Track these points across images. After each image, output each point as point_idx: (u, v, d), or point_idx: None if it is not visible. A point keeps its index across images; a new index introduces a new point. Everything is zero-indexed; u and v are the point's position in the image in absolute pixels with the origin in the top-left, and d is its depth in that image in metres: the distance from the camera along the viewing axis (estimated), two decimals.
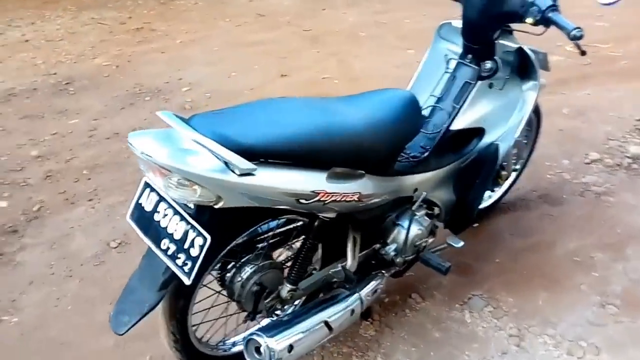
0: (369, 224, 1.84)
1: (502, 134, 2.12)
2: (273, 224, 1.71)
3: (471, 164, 2.10)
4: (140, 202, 1.49)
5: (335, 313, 1.70)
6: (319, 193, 1.47)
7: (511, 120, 2.14)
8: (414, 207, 1.89)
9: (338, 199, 1.53)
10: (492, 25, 1.97)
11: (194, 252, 1.37)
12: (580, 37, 1.73)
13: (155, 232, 1.44)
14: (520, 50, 2.06)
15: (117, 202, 2.75)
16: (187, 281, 1.38)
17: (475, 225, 2.61)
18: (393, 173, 1.82)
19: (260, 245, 1.71)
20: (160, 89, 3.94)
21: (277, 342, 1.54)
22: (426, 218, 2.02)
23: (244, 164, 1.29)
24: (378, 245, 1.94)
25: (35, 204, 2.76)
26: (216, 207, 1.34)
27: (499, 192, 2.70)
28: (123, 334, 1.45)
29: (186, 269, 1.38)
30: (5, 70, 4.21)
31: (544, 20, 1.81)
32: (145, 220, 1.47)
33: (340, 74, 4.24)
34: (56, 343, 2.02)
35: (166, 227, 1.42)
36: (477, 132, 2.10)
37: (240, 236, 1.59)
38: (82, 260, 2.41)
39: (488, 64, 1.99)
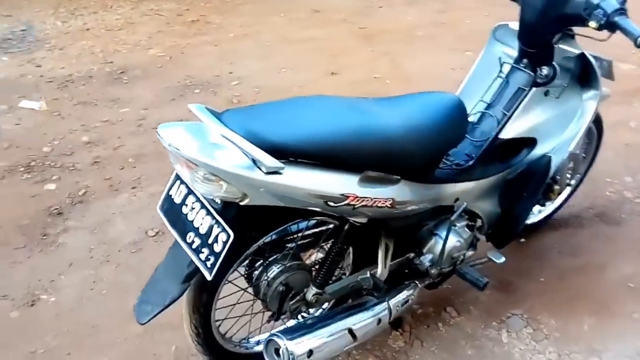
0: (403, 231, 1.82)
1: (556, 146, 2.04)
2: (303, 224, 1.71)
3: (520, 176, 2.03)
4: (170, 193, 1.52)
5: (360, 321, 1.69)
6: (348, 196, 1.46)
7: (567, 131, 2.06)
8: (453, 217, 1.84)
9: (369, 204, 1.51)
10: (551, 28, 1.88)
11: (217, 247, 1.38)
12: None
13: (182, 224, 1.46)
14: (582, 57, 1.98)
15: (158, 191, 2.75)
16: (208, 276, 1.40)
17: (522, 240, 2.55)
18: (433, 180, 1.78)
19: (289, 245, 1.71)
20: (210, 82, 4.01)
21: (297, 346, 1.53)
22: (466, 230, 1.97)
23: (271, 162, 1.29)
24: (412, 255, 1.91)
25: (81, 189, 2.87)
26: (242, 204, 1.35)
27: (550, 207, 2.61)
28: (145, 323, 1.49)
29: (209, 264, 1.39)
30: (65, 57, 4.38)
31: (609, 25, 1.71)
32: (173, 213, 1.49)
33: (392, 74, 4.20)
34: (88, 325, 2.09)
35: (192, 220, 1.44)
36: (528, 142, 2.03)
37: (267, 235, 1.59)
38: (120, 246, 2.48)
39: (545, 70, 1.90)
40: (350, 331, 1.65)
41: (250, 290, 1.75)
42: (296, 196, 1.40)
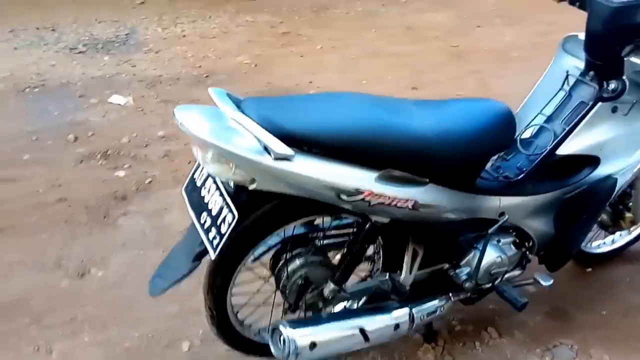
0: (435, 239, 1.77)
1: (623, 168, 1.91)
2: (333, 223, 1.73)
3: (580, 196, 1.91)
4: (194, 176, 1.60)
5: (375, 322, 1.66)
6: (363, 192, 1.45)
7: (637, 153, 1.93)
8: (491, 230, 1.76)
9: (387, 202, 1.49)
10: (620, 39, 1.76)
11: (223, 228, 1.43)
12: None
13: (199, 205, 1.53)
14: None
15: None
16: (212, 255, 1.46)
17: (588, 270, 2.40)
18: (473, 190, 1.72)
19: (315, 241, 1.73)
20: (289, 89, 4.13)
21: (300, 336, 1.54)
22: (512, 247, 1.89)
23: (280, 148, 1.32)
24: (447, 266, 1.86)
25: (148, 178, 3.06)
26: (250, 188, 1.39)
27: (625, 238, 2.43)
28: (156, 296, 1.56)
29: (214, 243, 1.45)
30: (159, 60, 4.71)
31: None
32: (195, 194, 1.57)
33: (477, 93, 4.11)
34: (127, 301, 2.21)
35: (208, 202, 1.50)
36: (590, 161, 1.91)
37: (284, 226, 1.61)
38: (172, 233, 2.60)
39: (612, 84, 1.78)
40: (362, 331, 1.62)
41: (271, 280, 1.79)
42: (306, 185, 1.41)
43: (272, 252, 1.78)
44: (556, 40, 2.04)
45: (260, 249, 1.72)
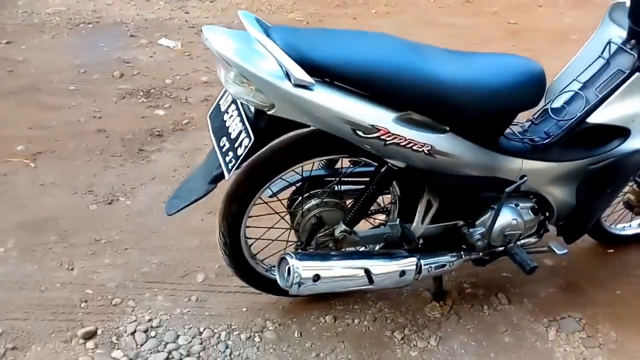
0: (451, 192, 1.79)
1: None
2: (350, 167, 1.78)
3: (606, 168, 1.89)
4: (219, 103, 1.66)
5: (381, 266, 1.70)
6: (379, 129, 1.48)
7: None
8: (509, 189, 1.75)
9: (402, 143, 1.52)
10: None
11: (239, 150, 1.49)
12: None
13: (220, 130, 1.59)
14: None
15: None
16: (226, 175, 1.52)
17: (610, 250, 2.37)
18: (495, 148, 1.73)
19: (332, 184, 1.78)
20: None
21: (304, 268, 1.60)
22: (530, 213, 1.89)
23: (300, 74, 1.36)
24: (462, 223, 1.88)
25: (185, 119, 3.16)
26: (269, 113, 1.44)
27: None
28: (171, 214, 1.64)
29: (230, 165, 1.51)
30: (212, 9, 4.80)
31: None
32: (218, 120, 1.63)
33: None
34: (150, 230, 2.33)
35: (229, 126, 1.56)
36: (620, 133, 1.88)
37: (303, 162, 1.67)
38: None
39: None
40: (367, 272, 1.67)
41: (286, 218, 1.86)
42: (324, 117, 1.45)
43: (290, 191, 1.84)
44: None
45: (279, 184, 1.79)
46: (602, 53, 1.90)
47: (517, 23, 4.98)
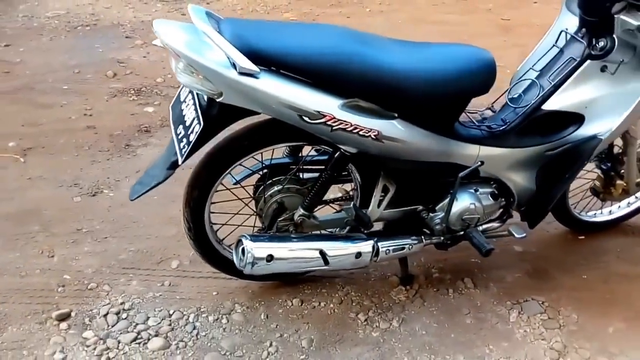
0: (407, 177, 1.85)
1: (606, 129, 1.90)
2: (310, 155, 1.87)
3: (563, 154, 1.94)
4: (180, 93, 1.74)
5: (337, 248, 1.77)
6: (325, 115, 1.55)
7: (621, 114, 1.90)
8: (462, 173, 1.80)
9: (349, 129, 1.59)
10: None
11: (192, 137, 1.58)
12: None
13: (178, 119, 1.68)
14: None
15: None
16: (179, 160, 1.60)
17: (581, 237, 2.41)
18: (450, 134, 1.79)
19: (294, 171, 1.86)
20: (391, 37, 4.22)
21: (258, 248, 1.67)
22: (490, 198, 1.95)
23: (244, 63, 1.44)
24: (421, 207, 1.93)
25: None
26: (218, 100, 1.51)
27: (624, 210, 2.44)
28: (133, 199, 1.71)
29: (183, 151, 1.60)
30: None
31: None
32: (177, 109, 1.72)
33: (517, 66, 4.06)
34: (130, 220, 2.41)
35: (184, 115, 1.65)
36: (575, 119, 1.93)
37: (261, 149, 1.75)
38: (185, 166, 2.74)
39: (602, 42, 1.80)
40: (322, 253, 1.73)
41: (250, 203, 1.94)
42: (270, 103, 1.52)
43: (256, 178, 1.91)
44: None
45: (242, 173, 1.87)
46: (556, 42, 1.95)
47: (510, 19, 5.01)
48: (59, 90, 3.48)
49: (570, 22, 1.96)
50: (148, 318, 1.94)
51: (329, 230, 1.96)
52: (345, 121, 1.57)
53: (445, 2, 5.40)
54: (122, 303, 2.00)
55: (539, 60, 1.97)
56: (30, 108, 3.27)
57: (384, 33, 4.58)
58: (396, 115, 1.65)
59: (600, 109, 1.89)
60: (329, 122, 1.56)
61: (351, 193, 1.98)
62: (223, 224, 1.95)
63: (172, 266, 2.17)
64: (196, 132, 1.56)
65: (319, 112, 1.54)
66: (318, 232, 1.91)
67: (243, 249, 1.67)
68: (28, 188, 2.60)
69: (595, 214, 2.42)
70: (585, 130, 1.91)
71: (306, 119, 1.55)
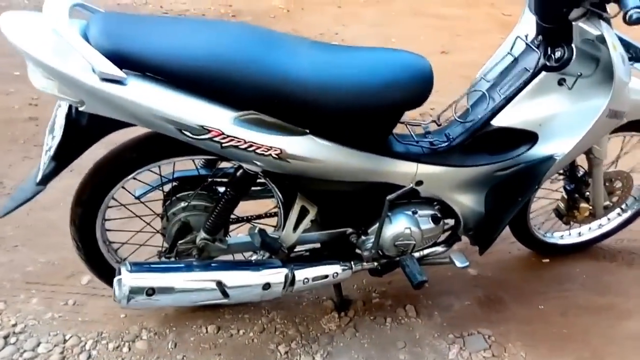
0: (329, 199, 1.61)
1: (561, 150, 1.64)
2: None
3: (515, 176, 1.70)
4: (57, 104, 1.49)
5: (237, 277, 1.53)
6: (210, 130, 1.30)
7: (577, 134, 1.62)
8: (391, 197, 1.57)
9: (242, 146, 1.34)
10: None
11: (52, 150, 1.34)
12: (637, 22, 1.29)
13: (51, 126, 1.43)
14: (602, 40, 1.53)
15: None
16: (38, 176, 1.37)
17: (545, 260, 2.17)
18: (382, 151, 1.54)
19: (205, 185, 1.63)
20: (312, 38, 3.96)
21: (135, 280, 1.43)
22: (430, 221, 1.70)
23: (105, 67, 1.18)
24: (350, 230, 1.70)
25: None
26: (80, 109, 1.27)
27: (594, 232, 2.20)
28: (1, 217, 1.49)
29: (44, 166, 1.37)
30: None
31: None
32: (52, 122, 1.46)
33: None
34: (49, 225, 2.19)
35: (55, 122, 1.40)
36: (528, 137, 1.68)
37: (154, 163, 1.52)
38: None
39: (558, 52, 1.57)
40: (220, 285, 1.50)
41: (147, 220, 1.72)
42: (140, 114, 1.26)
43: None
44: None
45: (143, 188, 1.65)
46: (511, 49, 1.70)
47: (512, 15, 4.74)
48: (9, 76, 3.24)
49: (532, 27, 1.69)
50: (39, 344, 1.72)
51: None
52: (236, 137, 1.32)
53: None
54: (15, 325, 1.78)
55: (491, 69, 1.72)
56: None
57: (377, 25, 4.41)
58: (308, 131, 1.40)
59: (556, 128, 1.64)
60: (216, 138, 1.31)
61: (275, 210, 1.74)
62: (123, 243, 1.73)
63: (82, 282, 1.96)
64: (54, 146, 1.33)
65: (202, 126, 1.29)
66: (223, 258, 1.69)
67: (120, 280, 1.44)
68: None
69: (562, 235, 2.19)
70: (538, 150, 1.67)
71: (187, 133, 1.30)
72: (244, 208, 1.92)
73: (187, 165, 1.61)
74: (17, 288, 1.92)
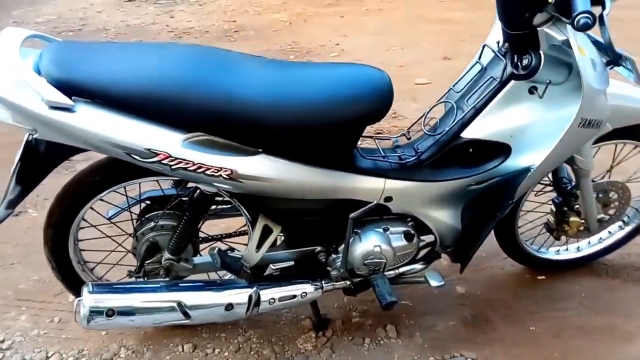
0: (294, 217, 1.59)
1: (535, 162, 1.57)
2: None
3: (490, 189, 1.65)
4: None
5: (198, 298, 1.52)
6: (157, 153, 1.31)
7: (550, 145, 1.55)
8: (354, 214, 1.54)
9: (191, 169, 1.34)
10: (529, 4, 1.44)
11: (14, 176, 1.37)
12: (585, 27, 1.22)
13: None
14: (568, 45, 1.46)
15: None
16: (4, 202, 1.40)
17: (541, 277, 2.09)
18: (346, 167, 1.52)
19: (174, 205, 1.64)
20: (311, 50, 3.99)
21: (95, 301, 1.45)
22: (402, 239, 1.66)
23: (51, 95, 1.22)
24: (319, 249, 1.67)
25: None
26: (34, 137, 1.31)
27: (595, 246, 2.10)
28: None
29: (10, 192, 1.40)
30: (198, 13, 4.75)
31: None
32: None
33: None
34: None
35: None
36: (501, 149, 1.63)
37: (118, 185, 1.54)
38: None
39: (525, 59, 1.51)
40: (181, 305, 1.50)
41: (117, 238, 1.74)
42: (90, 140, 1.30)
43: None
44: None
45: (115, 209, 1.68)
46: (479, 58, 1.65)
47: None
48: None
49: (498, 32, 1.64)
50: None
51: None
52: (184, 160, 1.33)
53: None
54: (2, 341, 1.83)
55: (460, 79, 1.67)
56: None
57: (378, 34, 4.40)
58: (260, 150, 1.40)
59: (529, 139, 1.59)
60: (164, 161, 1.32)
61: (245, 229, 1.74)
62: (98, 263, 1.75)
63: (69, 299, 1.98)
64: (15, 171, 1.36)
65: (149, 149, 1.30)
66: (194, 278, 1.69)
67: (80, 301, 1.46)
68: None
69: (559, 250, 2.10)
70: (513, 163, 1.61)
71: (136, 157, 1.32)
72: (220, 227, 1.94)
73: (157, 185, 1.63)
74: (9, 305, 1.97)
